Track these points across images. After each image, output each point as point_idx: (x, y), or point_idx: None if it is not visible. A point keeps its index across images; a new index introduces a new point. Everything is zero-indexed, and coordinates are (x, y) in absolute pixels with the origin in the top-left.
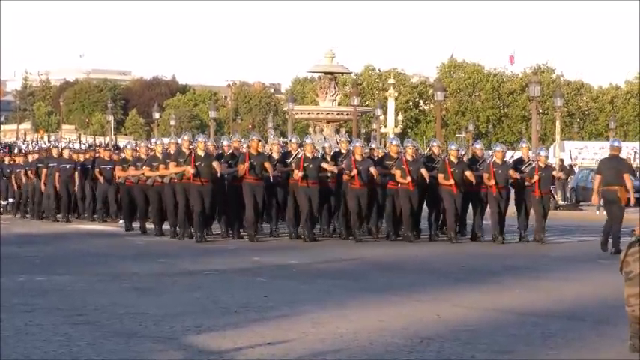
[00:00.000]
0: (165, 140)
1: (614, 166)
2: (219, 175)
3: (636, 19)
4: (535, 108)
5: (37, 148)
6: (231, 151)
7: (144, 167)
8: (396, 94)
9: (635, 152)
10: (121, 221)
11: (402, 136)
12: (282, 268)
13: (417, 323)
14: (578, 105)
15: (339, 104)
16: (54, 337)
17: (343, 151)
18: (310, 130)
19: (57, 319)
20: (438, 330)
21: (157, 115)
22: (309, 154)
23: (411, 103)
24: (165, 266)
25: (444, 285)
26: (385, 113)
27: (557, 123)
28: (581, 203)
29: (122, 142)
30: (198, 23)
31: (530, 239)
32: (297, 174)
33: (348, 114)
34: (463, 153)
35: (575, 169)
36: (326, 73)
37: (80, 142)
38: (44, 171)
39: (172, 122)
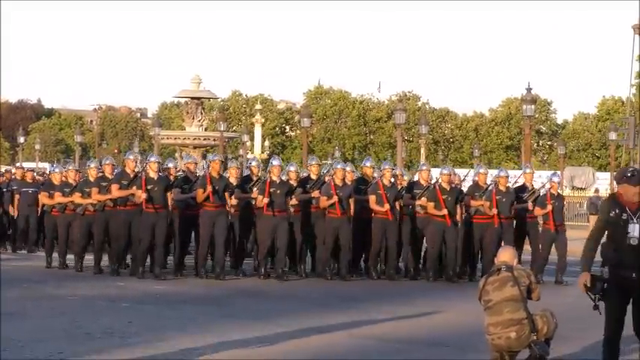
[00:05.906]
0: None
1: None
2: (171, 202)
3: (501, 48)
4: (400, 135)
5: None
6: (184, 174)
7: (74, 193)
8: (263, 120)
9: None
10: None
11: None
12: (147, 293)
13: (281, 349)
14: (443, 132)
15: (206, 129)
16: None
17: (313, 177)
18: (177, 155)
19: None
20: (301, 356)
21: (22, 139)
22: (275, 178)
23: (277, 129)
24: (30, 291)
25: (309, 311)
26: (252, 139)
27: (422, 150)
28: None
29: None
30: (64, 46)
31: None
32: (262, 200)
33: (214, 139)
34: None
35: None
36: (192, 98)
37: None
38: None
39: (37, 146)
